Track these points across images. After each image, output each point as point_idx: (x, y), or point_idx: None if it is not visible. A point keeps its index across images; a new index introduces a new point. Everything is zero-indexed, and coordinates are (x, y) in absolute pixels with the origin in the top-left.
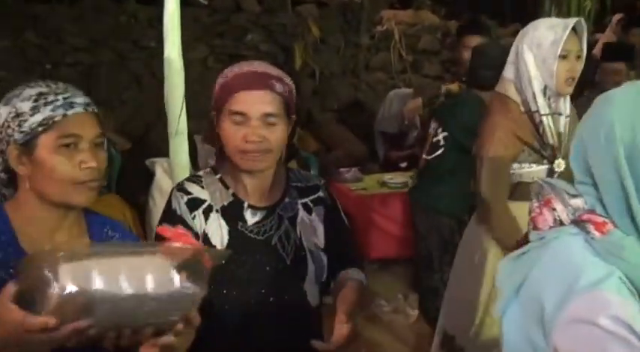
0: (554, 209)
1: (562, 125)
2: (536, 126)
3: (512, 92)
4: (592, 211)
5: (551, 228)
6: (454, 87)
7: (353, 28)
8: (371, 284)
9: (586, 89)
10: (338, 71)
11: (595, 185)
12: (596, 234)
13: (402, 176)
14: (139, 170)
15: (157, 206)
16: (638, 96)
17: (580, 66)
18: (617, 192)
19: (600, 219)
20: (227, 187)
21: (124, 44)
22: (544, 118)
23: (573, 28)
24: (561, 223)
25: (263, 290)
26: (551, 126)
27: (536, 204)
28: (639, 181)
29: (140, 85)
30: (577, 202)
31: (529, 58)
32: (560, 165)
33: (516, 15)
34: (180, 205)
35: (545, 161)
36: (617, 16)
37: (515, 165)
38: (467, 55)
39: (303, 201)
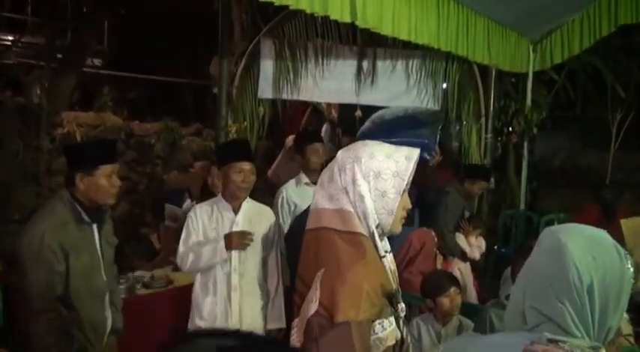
0: None
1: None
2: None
3: (362, 228)
4: None
5: None
6: None
7: (32, 130)
8: None
9: None
10: (17, 177)
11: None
12: None
13: None
14: None
15: None
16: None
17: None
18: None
19: None
20: None
21: None
22: (385, 261)
23: None
24: None
25: None
26: (392, 268)
27: None
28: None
29: None
30: None
31: (365, 191)
32: (403, 309)
33: (197, 116)
34: None
35: (392, 312)
36: (289, 138)
37: (378, 327)
38: None
39: None
